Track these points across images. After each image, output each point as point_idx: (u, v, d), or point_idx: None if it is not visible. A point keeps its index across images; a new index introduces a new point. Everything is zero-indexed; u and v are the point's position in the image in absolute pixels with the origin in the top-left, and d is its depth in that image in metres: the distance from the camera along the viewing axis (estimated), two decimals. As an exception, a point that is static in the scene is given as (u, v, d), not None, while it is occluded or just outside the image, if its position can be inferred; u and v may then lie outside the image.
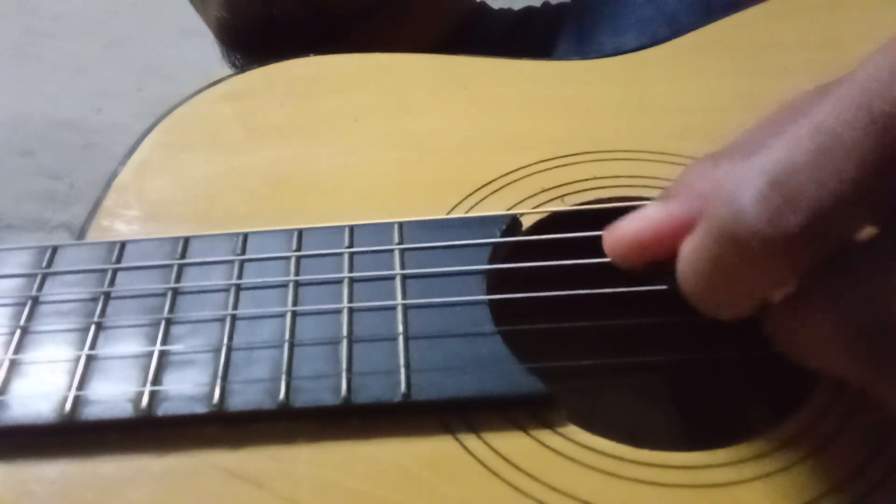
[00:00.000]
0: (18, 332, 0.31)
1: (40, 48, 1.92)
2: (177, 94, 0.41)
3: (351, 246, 0.33)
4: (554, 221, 0.34)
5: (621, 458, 0.27)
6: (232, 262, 0.32)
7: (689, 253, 0.26)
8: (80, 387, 0.29)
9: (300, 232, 0.33)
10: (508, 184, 0.36)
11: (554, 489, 0.27)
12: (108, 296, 0.32)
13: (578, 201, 0.35)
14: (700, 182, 0.27)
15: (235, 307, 0.31)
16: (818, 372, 0.26)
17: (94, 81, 1.83)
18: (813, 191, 0.22)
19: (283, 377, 0.29)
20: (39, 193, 1.63)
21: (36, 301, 0.32)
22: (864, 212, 0.23)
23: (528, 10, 0.65)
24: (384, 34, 0.57)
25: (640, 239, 0.28)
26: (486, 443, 0.28)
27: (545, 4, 0.65)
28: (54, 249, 0.33)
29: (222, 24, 0.57)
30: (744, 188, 0.23)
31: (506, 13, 0.66)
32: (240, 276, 0.32)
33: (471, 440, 0.28)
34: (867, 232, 0.24)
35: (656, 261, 0.28)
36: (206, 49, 0.62)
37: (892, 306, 0.23)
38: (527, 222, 0.34)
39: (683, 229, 0.26)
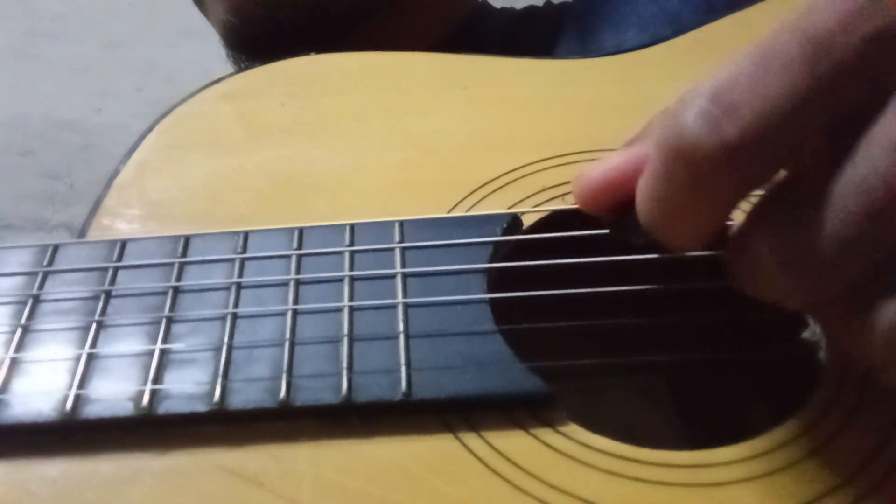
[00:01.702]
0: (19, 330, 0.31)
1: (40, 48, 1.92)
2: (177, 94, 0.41)
3: (352, 245, 0.33)
4: (555, 220, 0.34)
5: (622, 457, 0.27)
6: (233, 260, 0.32)
7: (643, 182, 0.26)
8: (81, 385, 0.29)
9: (301, 231, 0.33)
10: (509, 183, 0.36)
11: (555, 488, 0.27)
12: (108, 294, 0.32)
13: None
14: (655, 122, 0.28)
15: (236, 306, 0.31)
16: (772, 303, 0.26)
17: (94, 81, 1.83)
18: (749, 101, 0.23)
19: (284, 376, 0.29)
20: (39, 193, 1.62)
21: (37, 300, 0.32)
22: (799, 131, 0.23)
23: (530, 10, 0.65)
24: (386, 34, 0.57)
25: (605, 181, 0.28)
26: (486, 442, 0.28)
27: (547, 3, 0.65)
28: (55, 248, 0.33)
29: (228, 27, 0.57)
30: (686, 108, 0.24)
31: (507, 12, 0.66)
32: (240, 275, 0.32)
33: (471, 439, 0.28)
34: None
35: (622, 206, 0.28)
36: (206, 49, 0.62)
37: (825, 228, 0.23)
38: (527, 221, 0.34)
39: (643, 168, 0.27)
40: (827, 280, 0.24)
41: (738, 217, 0.26)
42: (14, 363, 0.30)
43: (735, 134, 0.23)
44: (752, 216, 0.25)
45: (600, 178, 0.28)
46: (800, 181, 0.24)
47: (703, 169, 0.24)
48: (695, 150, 0.24)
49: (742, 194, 0.25)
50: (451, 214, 0.34)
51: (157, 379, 0.29)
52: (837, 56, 0.22)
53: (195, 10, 0.65)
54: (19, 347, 0.30)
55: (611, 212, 0.29)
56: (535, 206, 0.34)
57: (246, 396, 0.28)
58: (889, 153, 0.22)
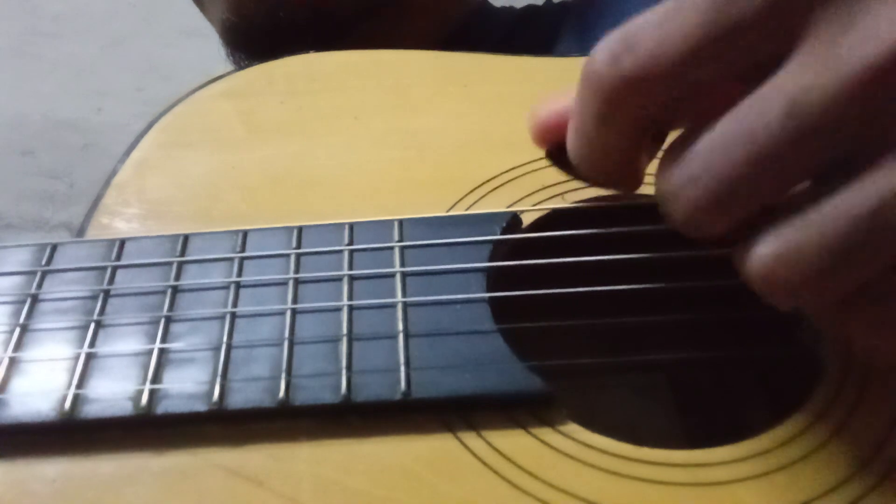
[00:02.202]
0: (18, 330, 0.30)
1: (40, 48, 1.92)
2: (177, 94, 0.41)
3: (351, 243, 0.32)
4: (554, 219, 0.34)
5: (622, 457, 0.27)
6: (232, 259, 0.32)
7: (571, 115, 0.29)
8: (80, 385, 0.29)
9: (300, 229, 0.33)
10: (509, 181, 0.36)
11: (554, 487, 0.27)
12: (107, 293, 0.32)
13: (578, 199, 0.35)
14: None
15: (235, 305, 0.31)
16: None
17: (94, 81, 1.83)
18: (649, 39, 0.25)
19: (283, 375, 0.29)
20: (39, 193, 1.62)
21: (35, 299, 0.31)
22: (692, 71, 0.25)
23: (530, 9, 0.65)
24: (386, 34, 0.57)
25: (548, 119, 0.31)
26: (486, 441, 0.28)
27: (547, 3, 0.65)
28: (54, 247, 0.33)
29: (228, 26, 0.57)
30: (601, 45, 0.26)
31: (508, 12, 0.66)
32: (240, 274, 0.32)
33: (471, 438, 0.28)
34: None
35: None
36: (206, 49, 0.62)
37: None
38: (527, 220, 0.34)
39: None
40: (837, 280, 0.24)
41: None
42: (13, 363, 0.29)
43: (628, 65, 0.25)
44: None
45: (545, 117, 0.31)
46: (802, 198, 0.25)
47: (606, 98, 0.26)
48: (599, 82, 0.26)
49: (646, 123, 0.27)
50: (450, 213, 0.34)
51: (157, 378, 0.29)
52: (738, 10, 0.24)
53: (195, 10, 0.65)
54: (18, 347, 0.30)
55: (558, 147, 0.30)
56: (534, 205, 0.34)
57: (245, 396, 0.28)
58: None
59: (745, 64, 0.25)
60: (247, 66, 0.43)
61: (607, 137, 0.27)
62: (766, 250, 0.24)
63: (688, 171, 0.25)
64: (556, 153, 0.30)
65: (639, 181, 0.30)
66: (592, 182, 0.30)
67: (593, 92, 0.27)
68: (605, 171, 0.29)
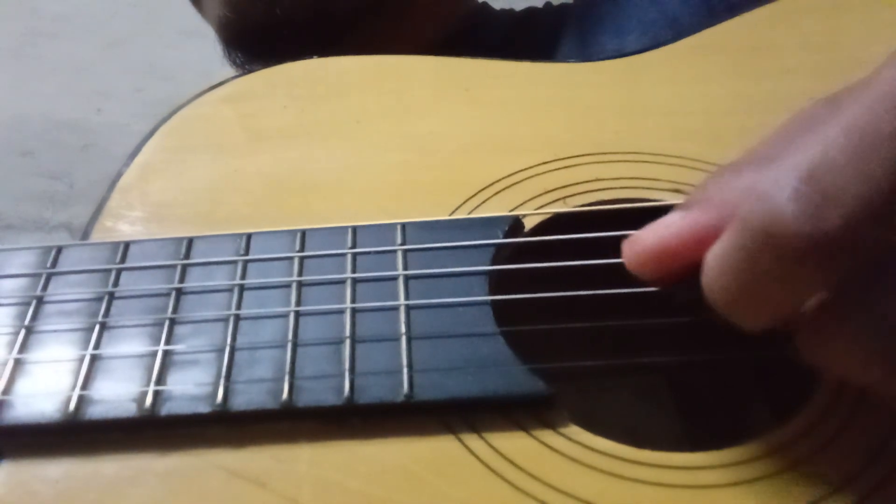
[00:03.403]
0: (23, 331, 0.31)
1: (40, 48, 1.92)
2: (177, 94, 0.41)
3: (354, 247, 0.33)
4: (556, 223, 0.34)
5: (622, 459, 0.27)
6: (235, 262, 0.32)
7: (718, 258, 0.24)
8: (84, 386, 0.29)
9: (303, 233, 0.33)
10: (511, 185, 0.36)
11: (555, 489, 0.27)
12: (112, 296, 0.32)
13: (581, 203, 0.35)
14: (724, 190, 0.26)
15: (239, 307, 0.31)
16: (845, 380, 0.26)
17: (94, 81, 1.83)
18: (856, 186, 0.21)
19: (286, 377, 0.29)
20: (39, 193, 1.62)
21: (40, 301, 0.32)
22: None
23: (530, 11, 0.65)
24: (385, 35, 0.57)
25: (663, 248, 0.27)
26: (487, 443, 0.28)
27: (547, 5, 0.65)
28: (59, 250, 0.33)
29: (224, 23, 0.57)
30: (779, 187, 0.22)
31: (507, 14, 0.66)
32: (243, 277, 0.32)
33: (473, 440, 0.28)
34: None
35: (678, 272, 0.27)
36: (206, 49, 0.62)
37: None
38: (529, 224, 0.34)
39: (709, 238, 0.25)
40: None
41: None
42: (18, 364, 0.30)
43: (839, 221, 0.21)
44: (845, 298, 0.24)
45: (657, 244, 0.27)
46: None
47: (798, 258, 0.22)
48: (789, 236, 0.22)
49: (831, 284, 0.23)
50: (452, 217, 0.34)
51: (160, 380, 0.29)
52: None
53: (195, 11, 0.65)
54: (23, 348, 0.30)
55: (664, 278, 0.27)
56: (536, 209, 0.34)
57: (248, 398, 0.28)
58: None
59: None
60: (245, 66, 0.43)
61: (780, 294, 0.24)
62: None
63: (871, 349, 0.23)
64: (674, 291, 0.27)
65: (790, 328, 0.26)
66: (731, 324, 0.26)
67: (776, 246, 0.22)
68: (760, 324, 0.25)
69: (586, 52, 0.55)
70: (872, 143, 0.21)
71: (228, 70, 0.58)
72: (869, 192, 0.21)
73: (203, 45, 0.63)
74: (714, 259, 0.25)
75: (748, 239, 0.23)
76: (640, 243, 0.27)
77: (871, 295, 0.23)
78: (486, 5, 0.67)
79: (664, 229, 0.27)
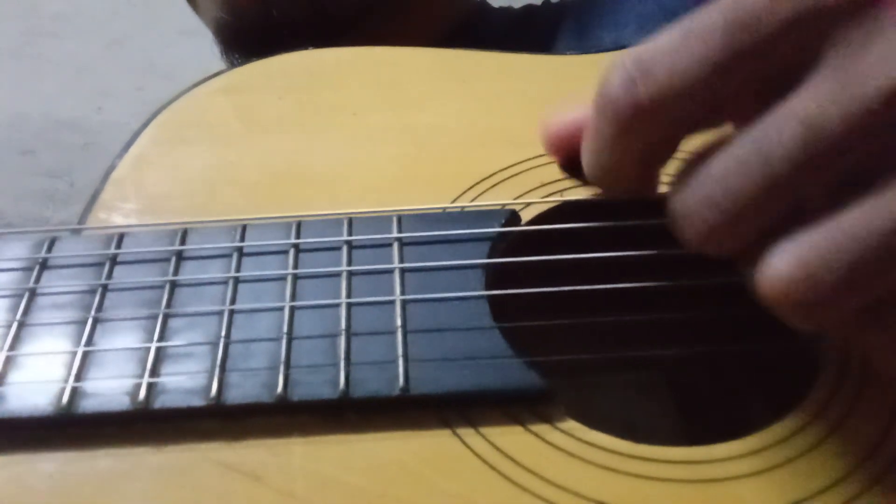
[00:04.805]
0: (15, 324, 0.30)
1: (40, 48, 1.92)
2: (177, 93, 0.41)
3: (350, 237, 0.32)
4: (553, 216, 0.34)
5: (620, 453, 0.27)
6: (230, 254, 0.32)
7: (583, 137, 0.30)
8: (78, 379, 0.29)
9: (299, 223, 0.33)
10: (508, 178, 0.36)
11: (552, 484, 0.26)
12: (105, 288, 0.31)
13: (577, 196, 0.35)
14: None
15: (233, 300, 0.31)
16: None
17: (94, 81, 1.83)
18: (663, 65, 0.25)
19: (281, 371, 0.28)
20: (39, 193, 1.63)
21: (33, 293, 0.31)
22: (710, 93, 0.25)
23: (529, 9, 0.65)
24: (383, 34, 0.57)
25: (561, 132, 0.33)
26: (484, 437, 0.28)
27: (546, 2, 0.65)
28: (52, 241, 0.33)
29: (221, 24, 0.57)
30: (614, 69, 0.27)
31: (506, 12, 0.66)
32: (238, 269, 0.32)
33: (469, 435, 0.28)
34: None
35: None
36: (205, 49, 0.62)
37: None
38: (526, 217, 0.34)
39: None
40: (852, 295, 0.24)
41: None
42: (10, 357, 0.29)
43: (645, 93, 0.26)
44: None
45: (559, 129, 0.33)
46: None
47: (622, 123, 0.27)
48: (614, 107, 0.27)
49: (661, 145, 0.28)
50: (449, 208, 0.34)
51: (154, 373, 0.29)
52: (757, 33, 0.24)
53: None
54: (15, 341, 0.30)
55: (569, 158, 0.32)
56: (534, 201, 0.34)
57: (243, 391, 0.28)
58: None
59: (758, 86, 0.25)
60: (243, 63, 0.43)
61: (622, 158, 0.28)
62: (782, 267, 0.24)
63: (702, 192, 0.25)
64: (569, 164, 0.32)
65: (653, 192, 0.30)
66: (606, 193, 0.31)
67: (608, 116, 0.27)
68: (620, 187, 0.30)
69: (584, 47, 0.55)
70: (692, 34, 0.25)
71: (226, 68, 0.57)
72: (675, 71, 0.25)
73: (203, 44, 0.63)
74: (583, 139, 0.30)
75: (593, 115, 0.28)
76: (547, 127, 0.34)
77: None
78: (484, 3, 0.67)
79: (564, 115, 0.33)
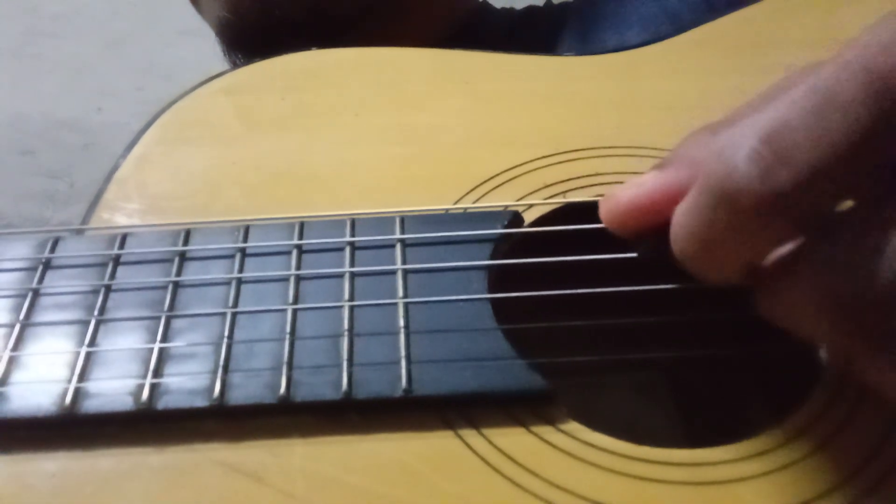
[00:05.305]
0: (19, 324, 0.30)
1: (40, 48, 1.92)
2: (177, 93, 0.41)
3: (353, 238, 0.32)
4: (556, 218, 0.34)
5: (622, 455, 0.27)
6: (233, 255, 0.32)
7: (682, 214, 0.26)
8: (81, 380, 0.29)
9: (301, 224, 0.33)
10: (510, 179, 0.36)
11: (554, 485, 0.26)
12: (108, 289, 0.31)
13: (581, 197, 0.35)
14: (695, 150, 0.27)
15: (236, 301, 0.31)
16: (803, 340, 0.26)
17: (94, 81, 1.83)
18: (806, 148, 0.22)
19: (284, 372, 0.28)
20: (39, 193, 1.63)
21: (37, 293, 0.31)
22: (856, 175, 0.23)
23: (531, 10, 0.65)
24: (384, 35, 0.57)
25: (635, 205, 0.28)
26: (486, 439, 0.28)
27: (548, 3, 0.65)
28: (55, 241, 0.33)
29: (223, 24, 0.57)
30: (736, 146, 0.23)
31: (508, 13, 0.66)
32: (241, 270, 0.32)
33: (471, 436, 0.28)
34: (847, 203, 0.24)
35: (650, 228, 0.28)
36: (206, 49, 0.62)
37: (874, 276, 0.23)
38: (529, 218, 0.34)
39: (678, 196, 0.26)
40: (868, 326, 0.23)
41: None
42: (13, 357, 0.29)
43: (787, 182, 0.22)
44: (798, 255, 0.25)
45: (631, 201, 0.28)
46: (848, 223, 0.24)
47: (750, 214, 0.23)
48: (743, 196, 0.23)
49: (786, 238, 0.25)
50: (452, 209, 0.34)
51: (157, 374, 0.29)
52: None
53: (195, 10, 0.65)
54: (19, 341, 0.30)
55: (638, 235, 0.29)
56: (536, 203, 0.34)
57: (246, 392, 0.28)
58: None
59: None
60: (245, 64, 0.43)
61: (738, 249, 0.25)
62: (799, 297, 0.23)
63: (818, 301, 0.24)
64: (644, 247, 0.29)
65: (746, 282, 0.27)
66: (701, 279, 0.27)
67: (732, 205, 0.23)
68: (723, 278, 0.26)
69: (587, 49, 0.55)
70: (830, 107, 0.22)
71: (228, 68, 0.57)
72: (821, 155, 0.22)
73: (203, 44, 0.63)
74: (679, 215, 0.26)
75: (707, 196, 0.24)
76: (614, 201, 0.29)
77: (818, 252, 0.24)
78: (486, 4, 0.67)
79: (637, 188, 0.28)
